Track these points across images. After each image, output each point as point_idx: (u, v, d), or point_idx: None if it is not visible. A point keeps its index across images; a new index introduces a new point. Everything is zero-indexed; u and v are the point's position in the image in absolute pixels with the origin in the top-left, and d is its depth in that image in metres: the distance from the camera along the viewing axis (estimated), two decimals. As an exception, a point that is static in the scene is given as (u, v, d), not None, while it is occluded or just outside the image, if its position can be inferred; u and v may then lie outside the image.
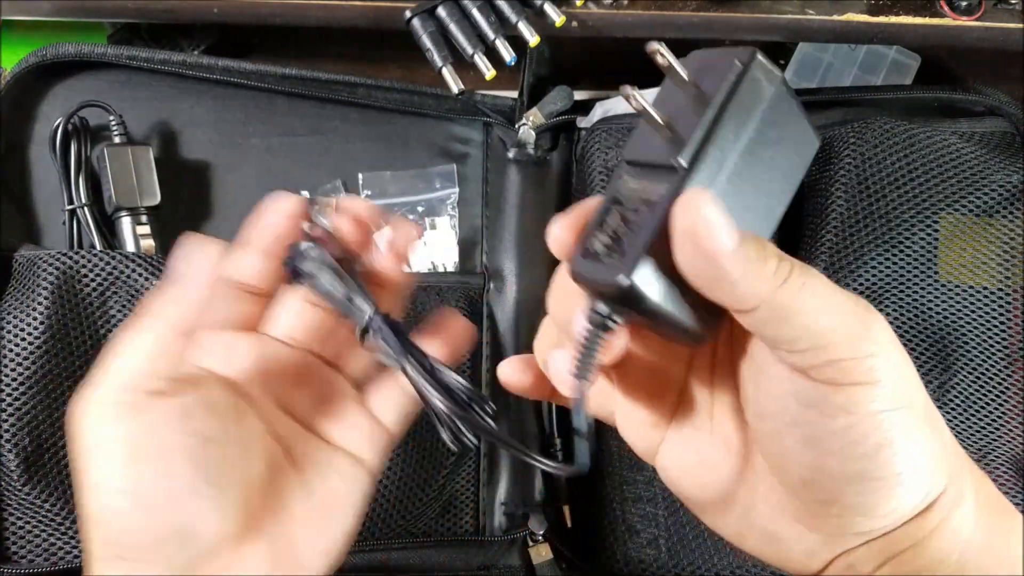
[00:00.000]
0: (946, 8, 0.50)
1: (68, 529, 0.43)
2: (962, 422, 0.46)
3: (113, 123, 0.50)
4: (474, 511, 0.51)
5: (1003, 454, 0.45)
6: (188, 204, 0.53)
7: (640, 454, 0.30)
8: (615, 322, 0.25)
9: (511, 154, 0.55)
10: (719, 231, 0.22)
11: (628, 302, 0.24)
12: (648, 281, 0.23)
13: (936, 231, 0.47)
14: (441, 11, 0.47)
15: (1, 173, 0.50)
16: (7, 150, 0.51)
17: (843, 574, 0.26)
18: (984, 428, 0.46)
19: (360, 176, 0.55)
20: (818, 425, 0.24)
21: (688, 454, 0.29)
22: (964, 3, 0.49)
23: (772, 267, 0.23)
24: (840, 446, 0.24)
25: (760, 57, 0.24)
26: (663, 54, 0.24)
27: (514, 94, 0.55)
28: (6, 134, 0.51)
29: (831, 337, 0.23)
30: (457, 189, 0.56)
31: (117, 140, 0.50)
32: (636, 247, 0.23)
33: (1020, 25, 0.50)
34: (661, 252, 0.23)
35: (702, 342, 0.26)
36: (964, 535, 0.25)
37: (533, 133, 0.54)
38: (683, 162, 0.23)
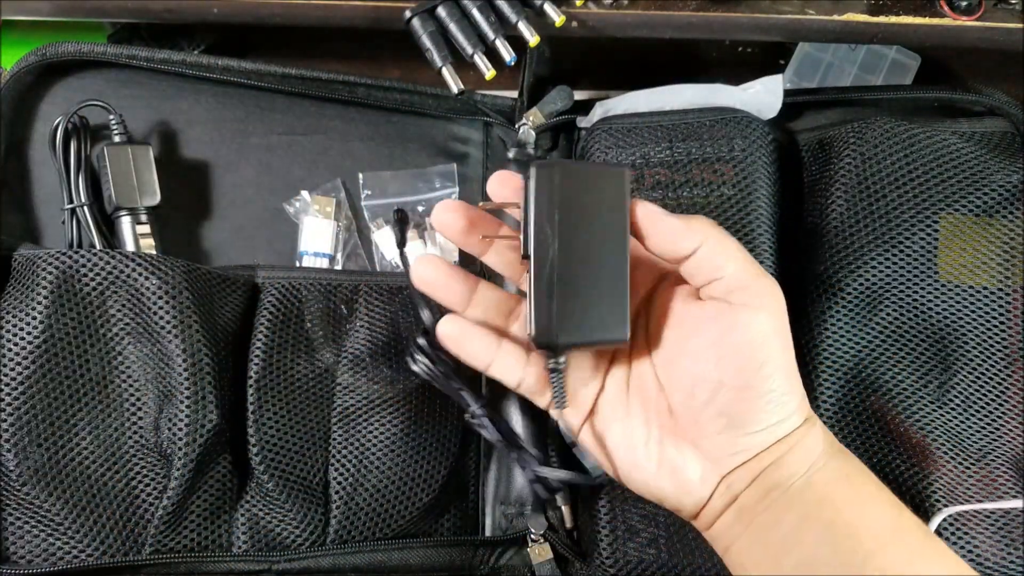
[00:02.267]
0: (946, 8, 0.50)
1: (68, 529, 0.43)
2: (962, 422, 0.46)
3: (113, 122, 0.50)
4: (474, 511, 0.51)
5: (1003, 454, 0.45)
6: (188, 203, 0.53)
7: (571, 427, 0.40)
8: (563, 362, 0.37)
9: (511, 154, 0.55)
10: (662, 215, 0.35)
11: (558, 349, 0.35)
12: (563, 330, 0.34)
13: (936, 231, 0.47)
14: (441, 11, 0.47)
15: (1, 172, 0.50)
16: (7, 149, 0.51)
17: (724, 495, 0.35)
18: (984, 428, 0.46)
19: (360, 176, 0.55)
20: (723, 341, 0.34)
21: (616, 419, 0.38)
22: (964, 3, 0.49)
23: (700, 223, 0.34)
24: (735, 362, 0.34)
25: (533, 169, 0.34)
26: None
27: (514, 94, 0.55)
28: (6, 133, 0.51)
29: (742, 272, 0.34)
30: (457, 189, 0.56)
31: (117, 139, 0.50)
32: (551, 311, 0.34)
33: (1020, 25, 0.50)
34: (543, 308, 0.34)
35: (624, 343, 0.36)
36: (813, 455, 0.34)
37: (533, 133, 0.54)
38: (530, 253, 0.34)
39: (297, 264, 0.53)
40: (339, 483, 0.47)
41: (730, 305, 0.34)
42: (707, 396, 0.35)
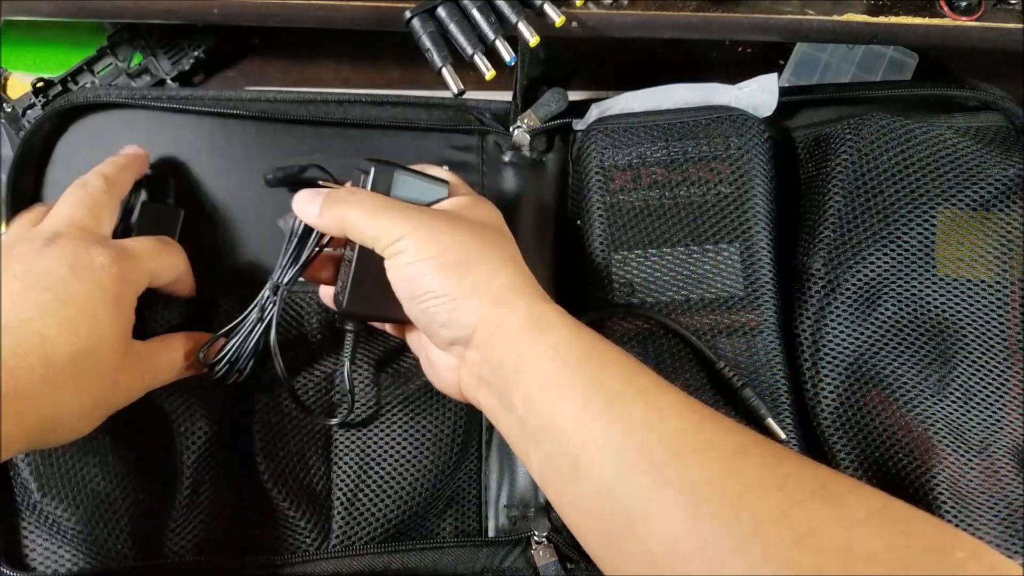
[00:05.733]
0: (946, 8, 0.50)
1: (76, 536, 0.43)
2: (963, 415, 0.46)
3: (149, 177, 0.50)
4: (477, 513, 0.51)
5: (1004, 446, 0.46)
6: (189, 230, 0.51)
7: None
8: (354, 327, 0.46)
9: (507, 157, 0.55)
10: (303, 199, 0.42)
11: (351, 316, 0.45)
12: (354, 302, 0.42)
13: (933, 225, 0.48)
14: (441, 11, 0.47)
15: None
16: (24, 192, 0.50)
17: (468, 387, 0.40)
18: (985, 421, 0.46)
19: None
20: (392, 283, 0.40)
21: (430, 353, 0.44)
22: (964, 3, 0.49)
23: (319, 200, 0.41)
24: (402, 291, 0.40)
25: (373, 170, 0.42)
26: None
27: (510, 95, 0.54)
28: (21, 179, 0.50)
29: (367, 228, 0.39)
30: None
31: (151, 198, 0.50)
32: (344, 287, 0.42)
33: (1020, 25, 0.50)
34: (363, 281, 0.42)
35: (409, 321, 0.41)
36: (502, 352, 0.37)
37: (528, 136, 0.53)
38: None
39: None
40: (341, 487, 0.47)
41: (373, 251, 0.40)
42: (414, 319, 0.41)
